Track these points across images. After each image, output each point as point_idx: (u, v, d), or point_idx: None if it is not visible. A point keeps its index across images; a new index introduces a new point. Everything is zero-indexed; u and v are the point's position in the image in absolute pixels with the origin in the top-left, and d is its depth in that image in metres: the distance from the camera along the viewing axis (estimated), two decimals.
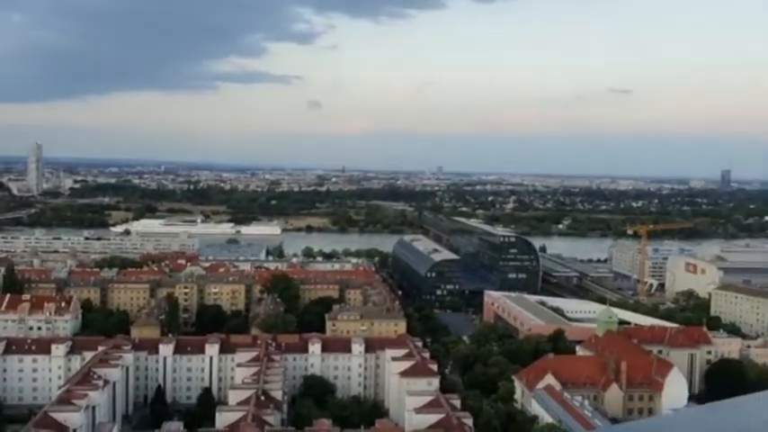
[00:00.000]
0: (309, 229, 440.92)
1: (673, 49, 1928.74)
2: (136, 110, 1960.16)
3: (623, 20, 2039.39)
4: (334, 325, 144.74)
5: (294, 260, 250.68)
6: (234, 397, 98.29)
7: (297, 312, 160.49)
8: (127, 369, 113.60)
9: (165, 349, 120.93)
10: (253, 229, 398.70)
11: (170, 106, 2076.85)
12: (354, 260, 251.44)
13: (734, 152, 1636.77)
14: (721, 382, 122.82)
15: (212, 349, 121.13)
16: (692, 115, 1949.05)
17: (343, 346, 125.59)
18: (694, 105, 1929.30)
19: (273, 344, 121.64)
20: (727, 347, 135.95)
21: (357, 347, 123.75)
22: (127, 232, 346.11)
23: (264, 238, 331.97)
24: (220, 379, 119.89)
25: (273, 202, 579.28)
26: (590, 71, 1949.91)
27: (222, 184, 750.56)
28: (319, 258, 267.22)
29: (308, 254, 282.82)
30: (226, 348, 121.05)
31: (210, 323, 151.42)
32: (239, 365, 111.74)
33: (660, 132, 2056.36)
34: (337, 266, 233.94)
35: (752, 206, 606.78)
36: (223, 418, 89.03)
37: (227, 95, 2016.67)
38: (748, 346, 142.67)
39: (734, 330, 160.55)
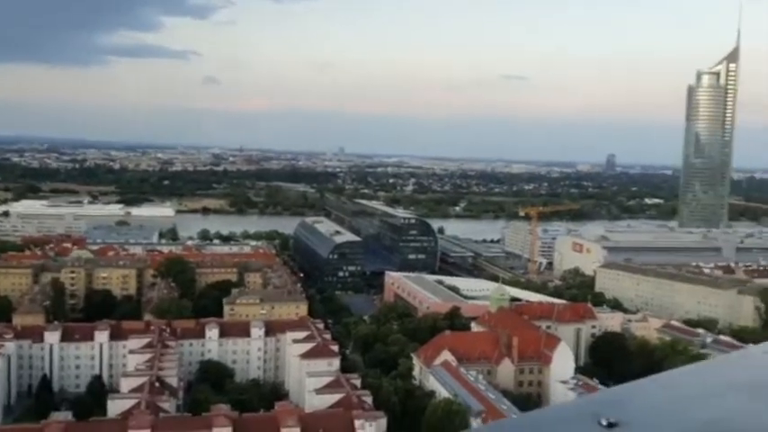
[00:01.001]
0: (205, 210, 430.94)
1: (565, 38, 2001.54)
2: (16, 83, 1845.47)
3: (521, 8, 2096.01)
4: (232, 309, 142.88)
5: (189, 243, 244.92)
6: (126, 384, 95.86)
7: (193, 297, 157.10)
8: (8, 358, 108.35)
9: (51, 337, 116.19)
10: (144, 211, 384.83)
11: (55, 80, 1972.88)
12: (254, 243, 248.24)
13: (618, 138, 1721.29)
14: (604, 354, 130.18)
15: (102, 336, 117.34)
16: (581, 102, 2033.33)
17: (241, 330, 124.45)
18: (583, 93, 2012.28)
19: (168, 330, 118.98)
20: (610, 322, 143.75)
21: (257, 331, 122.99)
22: (6, 214, 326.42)
23: (157, 220, 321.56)
24: (111, 366, 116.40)
25: (166, 182, 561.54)
26: (487, 58, 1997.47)
27: (111, 163, 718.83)
28: (216, 241, 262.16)
29: (205, 236, 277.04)
30: (117, 335, 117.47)
31: (100, 309, 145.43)
32: (132, 352, 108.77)
33: (552, 118, 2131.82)
34: (235, 249, 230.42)
35: (633, 189, 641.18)
36: (115, 407, 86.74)
37: (119, 70, 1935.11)
38: (629, 320, 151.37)
39: (616, 305, 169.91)
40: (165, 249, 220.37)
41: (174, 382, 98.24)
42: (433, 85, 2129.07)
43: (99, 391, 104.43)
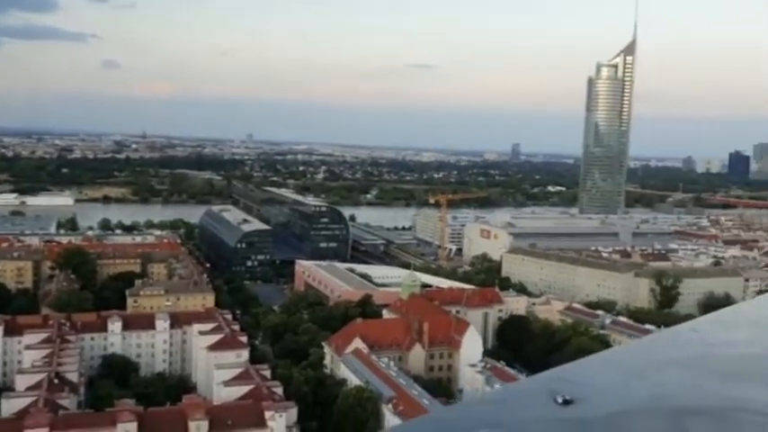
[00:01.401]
0: (107, 199, 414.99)
1: (473, 29, 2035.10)
2: None
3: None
4: (135, 301, 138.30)
5: (90, 233, 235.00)
6: (22, 382, 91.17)
7: (94, 289, 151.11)
8: None
9: None
10: (41, 200, 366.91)
11: None
12: (158, 232, 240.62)
13: (523, 127, 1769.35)
14: (510, 336, 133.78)
15: None
16: (487, 92, 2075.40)
17: (146, 322, 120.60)
18: (490, 83, 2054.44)
19: (68, 324, 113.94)
20: (516, 305, 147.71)
21: (162, 324, 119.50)
22: None
23: (55, 210, 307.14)
24: (5, 363, 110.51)
25: (65, 170, 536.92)
26: (396, 46, 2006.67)
27: (4, 150, 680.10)
28: (118, 231, 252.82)
29: (106, 226, 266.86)
30: (11, 330, 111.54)
31: None
32: (28, 348, 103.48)
33: (460, 107, 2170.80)
34: (139, 239, 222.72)
35: (537, 177, 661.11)
36: (10, 405, 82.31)
37: (11, 52, 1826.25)
38: (533, 304, 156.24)
39: (521, 289, 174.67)
40: (64, 240, 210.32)
41: (74, 377, 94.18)
42: (342, 73, 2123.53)
43: None
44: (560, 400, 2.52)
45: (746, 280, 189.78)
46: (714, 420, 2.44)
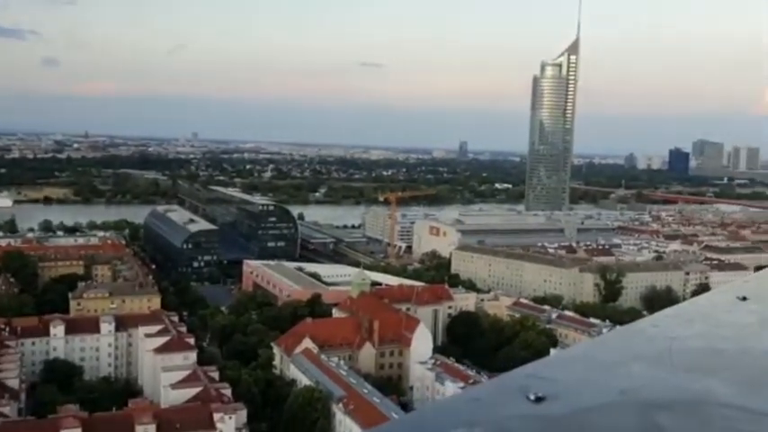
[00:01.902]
0: (47, 200, 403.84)
1: (421, 27, 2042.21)
2: None
3: None
4: (79, 304, 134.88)
5: (30, 235, 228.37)
6: None
7: (35, 293, 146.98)
8: None
9: None
10: None
11: None
12: (101, 233, 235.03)
13: (471, 125, 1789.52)
14: (460, 333, 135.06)
15: None
16: (436, 90, 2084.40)
17: (90, 326, 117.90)
18: (439, 81, 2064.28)
19: (7, 329, 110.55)
20: (465, 302, 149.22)
21: (106, 327, 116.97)
22: None
23: None
24: None
25: (3, 170, 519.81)
26: (344, 44, 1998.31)
27: None
28: (60, 233, 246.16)
29: (47, 228, 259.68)
30: None
31: None
32: None
33: (408, 106, 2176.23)
34: (82, 241, 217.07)
35: (485, 174, 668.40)
36: None
37: None
38: (482, 300, 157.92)
39: (470, 286, 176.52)
40: (3, 243, 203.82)
41: (14, 384, 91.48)
42: (288, 71, 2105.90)
43: None
44: (533, 398, 2.57)
45: (687, 274, 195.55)
46: (682, 413, 2.53)
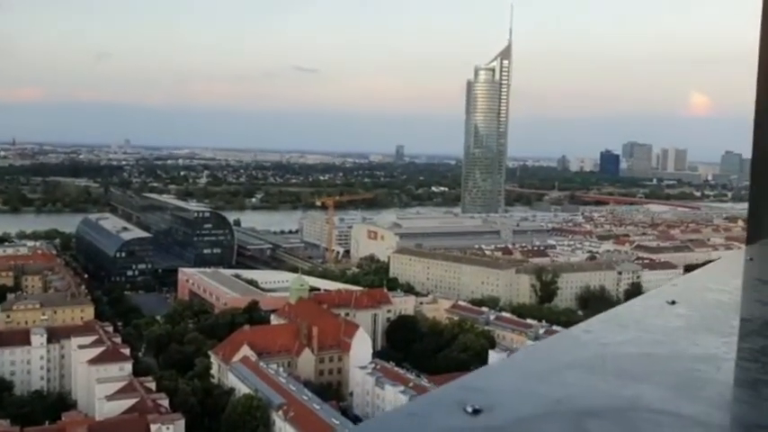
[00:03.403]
0: None
1: (357, 32, 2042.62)
2: None
3: (308, 2, 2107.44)
4: (8, 316, 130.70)
5: None
6: None
7: None
8: None
9: None
10: None
11: None
12: (31, 243, 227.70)
13: (407, 129, 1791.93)
14: (399, 336, 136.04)
15: None
16: (372, 95, 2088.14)
17: (20, 338, 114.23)
18: (374, 86, 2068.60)
19: None
20: (404, 305, 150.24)
21: (37, 339, 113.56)
22: None
23: None
24: None
25: None
26: (278, 49, 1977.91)
27: None
28: None
29: None
30: None
31: None
32: None
33: (344, 110, 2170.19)
34: (10, 251, 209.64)
35: (421, 178, 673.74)
36: None
37: None
38: (421, 303, 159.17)
39: (409, 289, 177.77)
40: None
41: None
42: (221, 76, 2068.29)
43: None
44: (470, 410, 2.51)
45: (620, 273, 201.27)
46: (614, 420, 2.54)
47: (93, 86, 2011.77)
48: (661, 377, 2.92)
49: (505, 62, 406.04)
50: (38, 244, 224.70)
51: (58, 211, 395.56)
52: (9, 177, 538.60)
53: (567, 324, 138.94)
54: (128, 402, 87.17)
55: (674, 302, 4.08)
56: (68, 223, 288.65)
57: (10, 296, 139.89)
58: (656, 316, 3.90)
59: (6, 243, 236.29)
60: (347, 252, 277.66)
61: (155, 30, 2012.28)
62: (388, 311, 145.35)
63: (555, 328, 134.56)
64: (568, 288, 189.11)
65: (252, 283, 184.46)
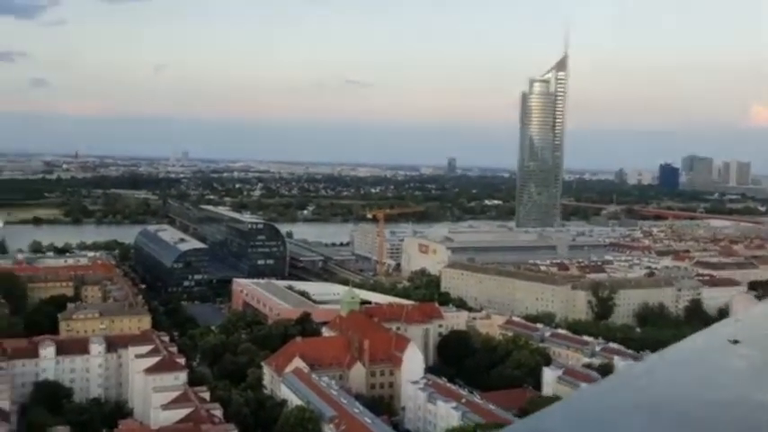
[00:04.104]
0: (37, 221, 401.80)
1: (409, 44, 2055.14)
2: None
3: (364, 14, 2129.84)
4: (68, 325, 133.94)
5: (20, 256, 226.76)
6: None
7: (25, 314, 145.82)
8: None
9: None
10: None
11: None
12: (91, 254, 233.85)
13: (459, 141, 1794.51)
14: (452, 352, 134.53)
15: None
16: (424, 107, 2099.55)
17: (79, 347, 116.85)
18: (426, 98, 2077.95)
19: None
20: (456, 320, 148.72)
21: (96, 347, 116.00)
22: None
23: None
24: None
25: None
26: (331, 62, 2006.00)
27: None
28: (50, 253, 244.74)
29: (37, 249, 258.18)
30: None
31: None
32: None
33: (396, 122, 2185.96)
34: (71, 261, 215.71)
35: (474, 191, 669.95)
36: None
37: None
38: (474, 318, 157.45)
39: (461, 304, 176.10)
40: None
41: (5, 405, 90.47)
42: (276, 89, 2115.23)
43: None
44: None
45: (679, 290, 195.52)
46: None
47: (153, 100, 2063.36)
48: (727, 426, 2.77)
49: (561, 74, 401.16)
50: (98, 254, 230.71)
51: (117, 222, 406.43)
52: (71, 189, 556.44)
53: (624, 341, 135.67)
54: (182, 412, 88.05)
55: (736, 342, 3.91)
56: (127, 234, 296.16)
57: (70, 305, 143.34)
58: (718, 356, 3.75)
59: (68, 253, 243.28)
60: (398, 265, 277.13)
61: (211, 43, 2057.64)
62: (440, 326, 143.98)
63: (612, 345, 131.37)
64: (626, 305, 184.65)
65: (304, 294, 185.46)
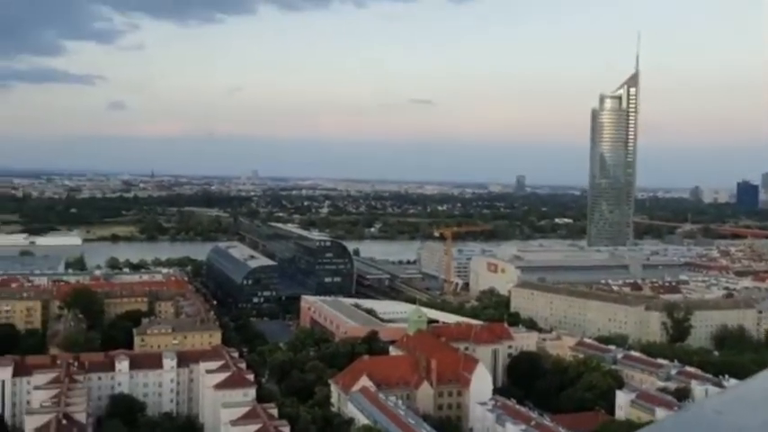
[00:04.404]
0: (115, 238, 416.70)
1: (471, 62, 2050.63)
2: None
3: (428, 34, 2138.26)
4: (143, 340, 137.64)
5: (97, 272, 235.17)
6: (31, 423, 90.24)
7: (101, 328, 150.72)
8: None
9: None
10: (49, 240, 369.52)
11: None
12: (165, 270, 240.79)
13: (527, 159, 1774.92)
14: (521, 373, 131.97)
15: (4, 372, 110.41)
16: (491, 124, 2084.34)
17: (153, 361, 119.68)
18: (493, 115, 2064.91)
19: (76, 363, 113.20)
20: (526, 341, 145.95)
21: (168, 362, 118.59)
22: None
23: (63, 250, 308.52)
24: (14, 404, 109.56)
25: (73, 210, 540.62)
26: (396, 82, 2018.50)
27: (14, 191, 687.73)
28: (126, 269, 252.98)
29: (114, 265, 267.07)
30: (20, 371, 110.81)
31: (2, 344, 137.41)
32: (36, 388, 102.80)
33: (462, 140, 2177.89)
34: (146, 277, 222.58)
35: (544, 209, 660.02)
36: None
37: (20, 95, 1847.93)
38: (544, 339, 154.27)
39: (531, 325, 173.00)
40: (72, 279, 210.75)
41: (82, 418, 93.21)
42: (342, 109, 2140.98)
43: (1, 431, 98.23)
44: None
45: (760, 312, 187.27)
46: None
47: (226, 120, 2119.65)
48: None
49: (632, 90, 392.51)
50: (171, 271, 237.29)
51: (190, 239, 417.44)
52: (147, 207, 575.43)
53: (701, 365, 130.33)
54: (251, 428, 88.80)
55: None
56: (200, 251, 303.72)
57: (144, 321, 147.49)
58: None
59: (143, 270, 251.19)
60: (466, 284, 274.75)
61: (280, 66, 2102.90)
62: (509, 347, 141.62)
63: (688, 369, 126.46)
64: (703, 327, 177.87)
65: (371, 312, 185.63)
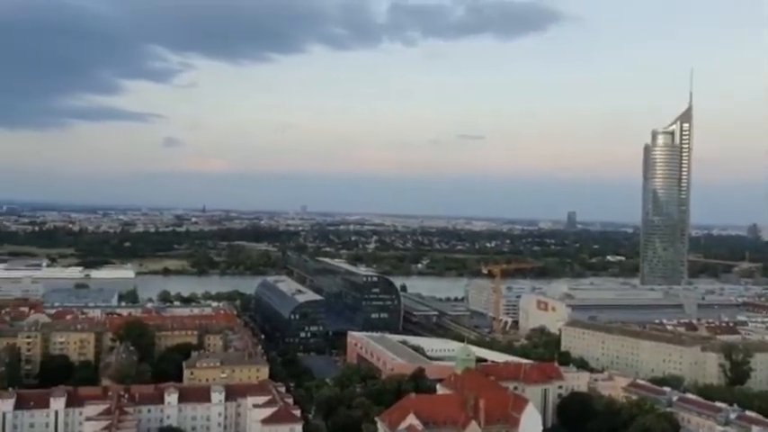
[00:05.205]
0: (166, 271, 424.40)
1: (521, 99, 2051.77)
2: None
3: (476, 70, 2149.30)
4: (192, 373, 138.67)
5: (149, 305, 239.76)
6: None
7: (152, 361, 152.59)
8: None
9: (4, 404, 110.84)
10: (104, 273, 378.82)
11: (13, 144, 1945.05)
12: (215, 304, 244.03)
13: (578, 196, 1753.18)
14: (572, 414, 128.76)
15: (58, 403, 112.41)
16: (540, 160, 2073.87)
17: (201, 395, 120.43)
18: (542, 151, 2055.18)
19: (126, 395, 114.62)
20: (577, 381, 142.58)
21: (217, 396, 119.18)
22: None
23: (117, 283, 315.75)
24: None
25: (127, 243, 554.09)
26: (444, 118, 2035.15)
27: (71, 225, 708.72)
28: (177, 303, 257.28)
29: (165, 298, 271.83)
30: (73, 402, 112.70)
31: (56, 375, 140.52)
32: (88, 419, 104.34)
33: (511, 176, 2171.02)
34: (196, 311, 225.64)
35: (595, 246, 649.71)
36: None
37: (78, 133, 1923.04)
38: (595, 380, 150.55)
39: (582, 364, 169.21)
40: (125, 312, 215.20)
41: None
42: (389, 145, 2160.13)
43: None
44: None
45: None
46: None
47: (276, 156, 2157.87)
48: None
49: (686, 125, 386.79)
50: (220, 304, 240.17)
51: (240, 273, 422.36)
52: (198, 242, 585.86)
53: (763, 410, 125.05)
54: None
55: None
56: (249, 285, 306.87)
57: (194, 354, 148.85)
58: None
59: (193, 303, 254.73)
60: (515, 323, 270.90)
61: (328, 103, 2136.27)
62: (560, 387, 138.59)
63: (749, 413, 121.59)
64: (764, 369, 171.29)
65: (418, 349, 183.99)
